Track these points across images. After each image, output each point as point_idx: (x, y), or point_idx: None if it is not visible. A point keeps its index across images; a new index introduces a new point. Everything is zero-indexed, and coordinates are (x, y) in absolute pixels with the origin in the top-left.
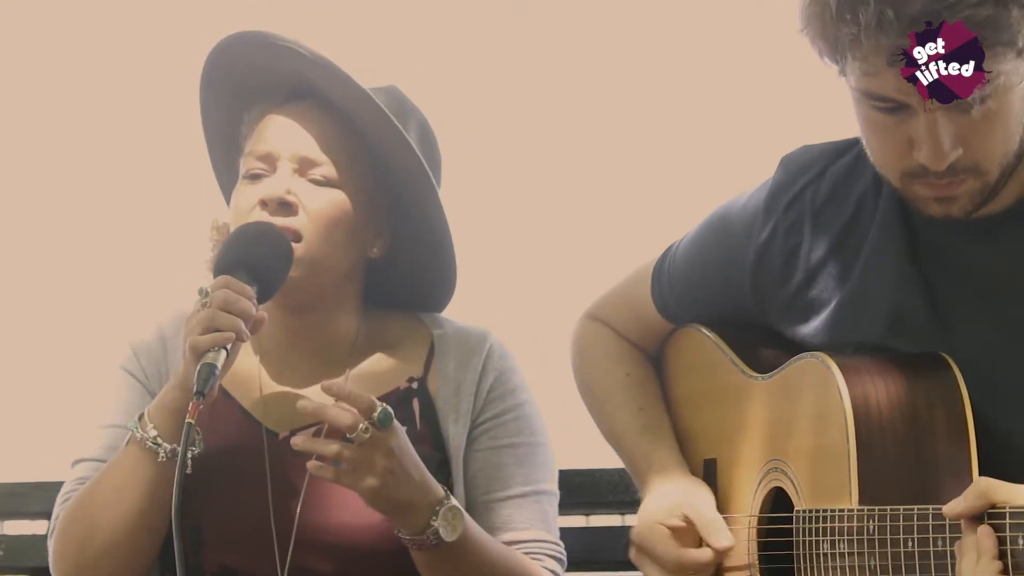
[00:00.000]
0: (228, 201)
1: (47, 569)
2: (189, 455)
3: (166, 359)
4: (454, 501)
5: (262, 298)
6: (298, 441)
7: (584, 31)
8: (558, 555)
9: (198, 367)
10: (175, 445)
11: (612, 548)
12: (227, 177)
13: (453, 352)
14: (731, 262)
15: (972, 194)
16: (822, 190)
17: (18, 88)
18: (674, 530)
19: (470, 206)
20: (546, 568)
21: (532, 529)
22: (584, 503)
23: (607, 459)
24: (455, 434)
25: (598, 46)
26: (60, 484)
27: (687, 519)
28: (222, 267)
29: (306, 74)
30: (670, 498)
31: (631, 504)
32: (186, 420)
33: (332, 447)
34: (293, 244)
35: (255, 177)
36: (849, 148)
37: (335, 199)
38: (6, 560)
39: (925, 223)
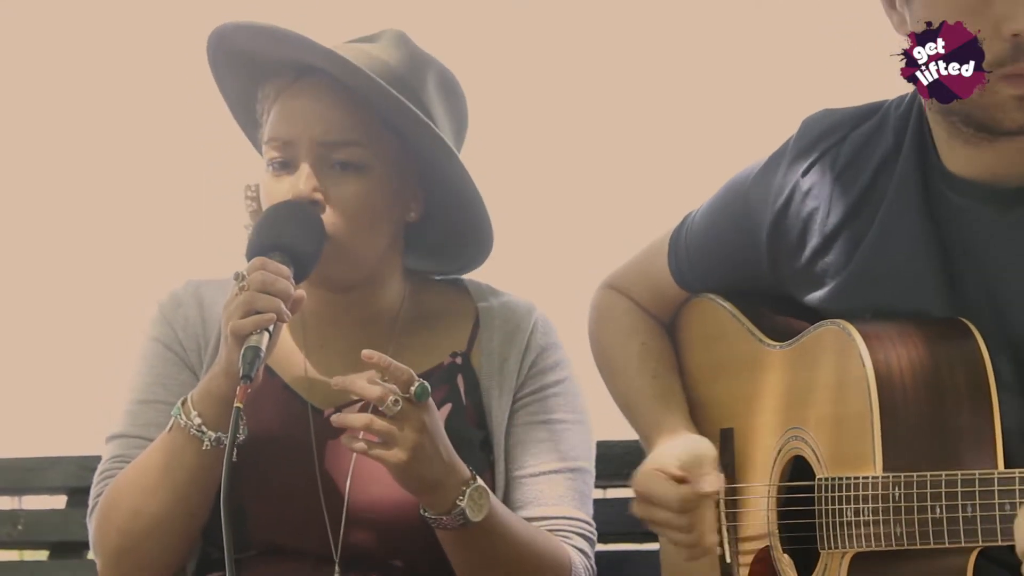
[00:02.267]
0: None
1: (66, 544)
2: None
3: (205, 330)
4: (480, 482)
5: (298, 278)
6: (335, 418)
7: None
8: (587, 533)
9: (242, 351)
10: (220, 433)
11: (629, 520)
12: (255, 133)
13: (498, 327)
14: (748, 227)
15: None
16: (842, 155)
17: (27, 79)
18: (673, 477)
19: (516, 175)
20: (573, 546)
21: (562, 506)
22: (601, 475)
23: (624, 431)
24: (498, 410)
25: (618, 32)
26: (77, 459)
27: (683, 465)
28: (255, 250)
29: (311, 60)
30: (672, 451)
31: None
32: (235, 404)
33: (362, 418)
34: (327, 243)
35: (279, 167)
36: (871, 113)
37: (363, 185)
38: (25, 535)
39: (944, 190)
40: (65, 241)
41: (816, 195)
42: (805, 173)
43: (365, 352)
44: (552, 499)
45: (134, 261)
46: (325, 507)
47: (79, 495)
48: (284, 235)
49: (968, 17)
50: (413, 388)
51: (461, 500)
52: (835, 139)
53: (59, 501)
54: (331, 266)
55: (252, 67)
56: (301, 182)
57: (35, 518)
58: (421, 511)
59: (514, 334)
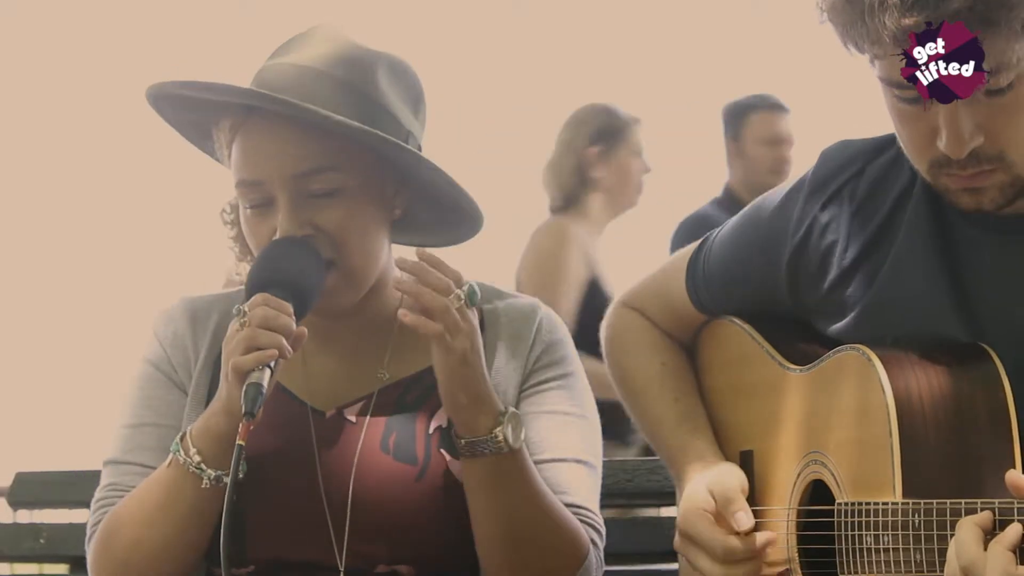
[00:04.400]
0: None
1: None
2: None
3: (195, 344)
4: (514, 409)
5: (299, 313)
6: (402, 313)
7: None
8: (596, 525)
9: (244, 388)
10: (219, 472)
11: (649, 540)
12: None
13: (504, 325)
14: (767, 257)
15: (1001, 187)
16: (860, 188)
17: (21, 86)
18: (716, 515)
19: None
20: None
21: (567, 494)
22: (620, 494)
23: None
24: (504, 404)
25: (622, 41)
26: (98, 472)
27: (712, 495)
28: (255, 286)
29: (256, 104)
30: (707, 482)
31: (668, 495)
32: (237, 442)
33: (439, 299)
34: (328, 273)
35: (257, 207)
36: (888, 145)
37: (347, 206)
38: (47, 548)
39: (958, 222)
40: (91, 260)
41: (835, 229)
42: (824, 207)
43: (419, 250)
44: (555, 486)
45: (159, 281)
46: (328, 512)
47: None
48: (283, 271)
49: (910, 122)
50: (464, 288)
51: (502, 419)
52: (852, 172)
53: (79, 515)
54: (341, 293)
55: (198, 108)
56: (286, 222)
57: (57, 532)
58: (457, 439)
59: (520, 331)
